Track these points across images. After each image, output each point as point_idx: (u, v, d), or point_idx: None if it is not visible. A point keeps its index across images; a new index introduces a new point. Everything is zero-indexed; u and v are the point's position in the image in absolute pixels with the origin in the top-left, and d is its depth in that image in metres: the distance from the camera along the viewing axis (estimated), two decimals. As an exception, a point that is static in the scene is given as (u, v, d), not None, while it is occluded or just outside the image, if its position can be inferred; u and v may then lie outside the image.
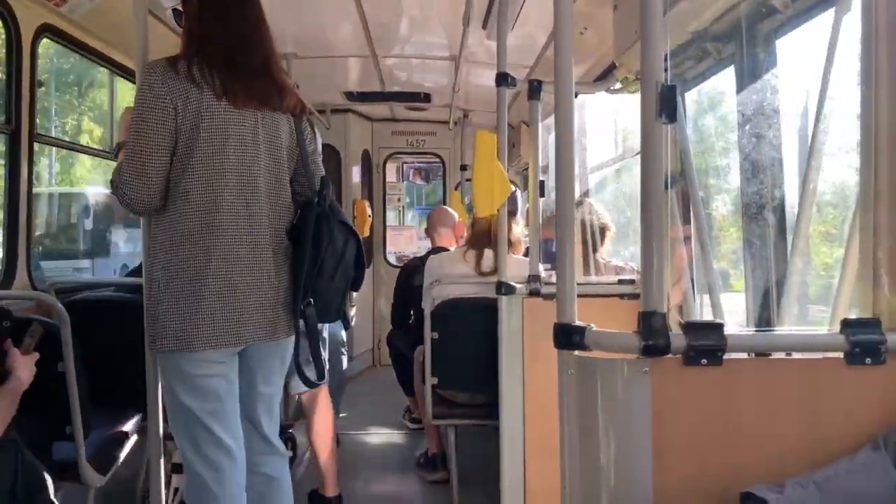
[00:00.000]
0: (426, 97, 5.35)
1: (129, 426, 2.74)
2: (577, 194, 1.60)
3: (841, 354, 1.26)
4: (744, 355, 1.32)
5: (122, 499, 3.05)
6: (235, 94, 1.95)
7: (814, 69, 1.80)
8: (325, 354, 2.48)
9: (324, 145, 5.73)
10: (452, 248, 3.88)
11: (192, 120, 1.90)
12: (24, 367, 1.96)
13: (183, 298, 1.89)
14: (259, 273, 1.97)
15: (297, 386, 2.92)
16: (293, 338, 2.08)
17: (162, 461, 2.20)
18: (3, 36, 2.77)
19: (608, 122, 3.80)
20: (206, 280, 1.90)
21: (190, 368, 1.93)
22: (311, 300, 2.00)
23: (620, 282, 2.81)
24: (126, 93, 4.01)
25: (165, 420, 2.43)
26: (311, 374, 2.09)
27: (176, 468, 2.50)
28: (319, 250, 1.99)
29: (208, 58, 1.95)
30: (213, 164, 1.92)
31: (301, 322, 2.03)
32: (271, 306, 1.99)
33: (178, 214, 1.91)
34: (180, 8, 2.13)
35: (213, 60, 1.95)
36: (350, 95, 5.33)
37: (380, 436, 4.29)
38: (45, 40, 2.94)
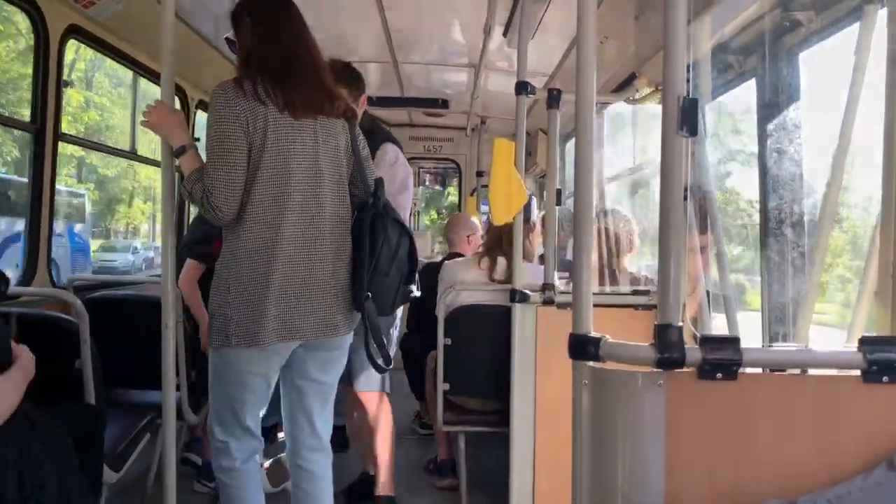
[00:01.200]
0: (444, 103, 5.36)
1: (142, 423, 2.76)
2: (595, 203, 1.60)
3: (858, 372, 1.25)
4: (759, 370, 1.31)
5: (131, 494, 3.07)
6: (295, 107, 2.08)
7: (837, 83, 1.79)
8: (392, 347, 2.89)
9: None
10: (468, 255, 3.88)
11: (261, 135, 2.04)
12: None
13: (251, 301, 2.04)
14: (319, 276, 2.11)
15: (364, 385, 2.99)
16: (351, 334, 2.26)
17: (174, 455, 2.22)
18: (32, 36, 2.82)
19: (626, 132, 3.80)
20: (272, 284, 2.04)
21: (241, 364, 2.10)
22: (369, 294, 2.16)
23: (636, 292, 2.80)
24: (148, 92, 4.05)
25: (180, 417, 2.45)
26: (379, 361, 2.32)
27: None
28: (375, 248, 2.16)
29: (268, 76, 2.08)
30: (279, 175, 2.06)
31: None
32: (329, 306, 2.13)
33: (250, 223, 2.05)
34: (233, 38, 2.26)
35: (272, 78, 2.08)
36: (369, 100, 5.35)
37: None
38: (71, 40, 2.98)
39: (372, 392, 3.01)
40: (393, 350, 2.93)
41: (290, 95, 2.07)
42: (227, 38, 2.24)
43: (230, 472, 2.20)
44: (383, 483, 3.05)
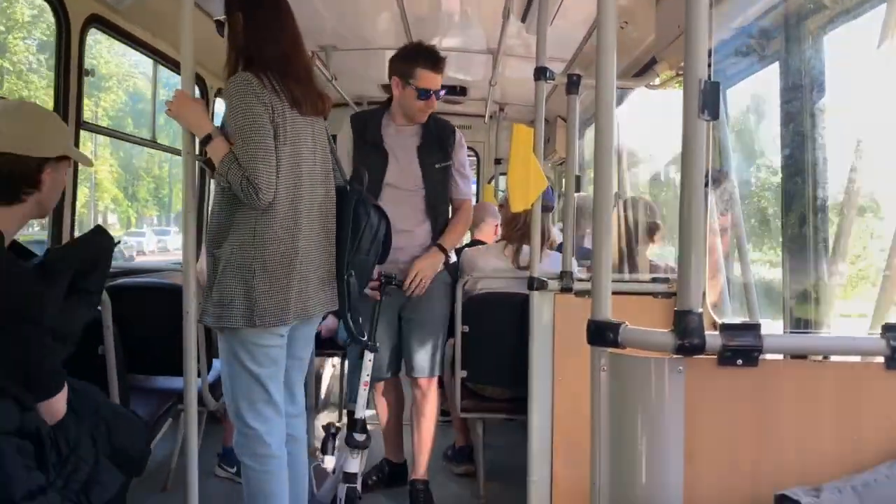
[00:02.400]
0: (462, 90, 5.34)
1: (164, 409, 2.80)
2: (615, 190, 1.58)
3: (881, 359, 1.23)
4: (780, 357, 1.30)
5: (153, 478, 3.13)
6: (300, 103, 2.20)
7: (863, 66, 1.76)
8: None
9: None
10: (490, 243, 3.87)
11: (281, 129, 2.15)
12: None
13: (279, 284, 2.17)
14: (321, 259, 2.29)
15: (418, 370, 3.05)
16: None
17: (196, 441, 2.25)
18: (54, 25, 2.85)
19: (646, 119, 3.76)
20: (294, 269, 2.19)
21: (264, 341, 2.21)
22: (352, 272, 2.38)
23: (654, 280, 2.78)
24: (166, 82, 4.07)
25: (201, 403, 2.46)
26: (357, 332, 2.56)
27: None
28: (358, 230, 2.36)
29: (274, 72, 2.16)
30: (294, 168, 2.18)
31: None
32: (328, 282, 2.33)
33: (275, 211, 2.15)
34: (222, 19, 2.25)
35: (278, 74, 2.16)
36: (387, 88, 5.35)
37: (408, 427, 4.31)
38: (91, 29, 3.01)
39: (427, 378, 3.07)
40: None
41: (295, 92, 2.18)
42: (216, 21, 2.23)
43: (265, 459, 2.23)
44: (424, 468, 3.12)
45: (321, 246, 2.28)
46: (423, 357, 3.04)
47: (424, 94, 2.88)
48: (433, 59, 2.88)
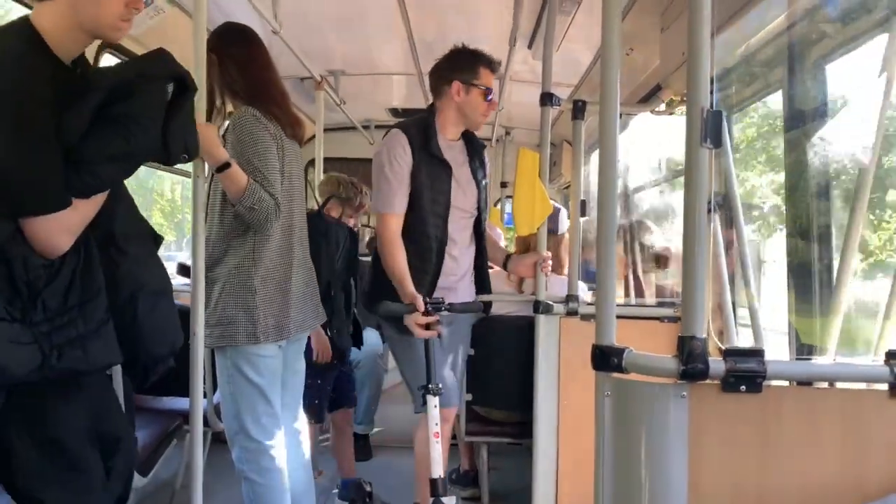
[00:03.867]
0: (469, 115, 5.38)
1: (170, 429, 2.80)
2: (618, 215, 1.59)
3: (885, 386, 1.23)
4: (784, 383, 1.30)
5: (157, 499, 3.12)
6: (294, 132, 2.38)
7: (866, 94, 1.77)
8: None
9: (366, 160, 5.81)
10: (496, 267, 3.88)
11: (281, 154, 2.30)
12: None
13: (279, 300, 2.30)
14: (308, 275, 2.45)
15: (453, 399, 2.83)
16: None
17: (201, 461, 2.24)
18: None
19: (651, 144, 3.78)
20: (289, 286, 2.32)
21: (265, 352, 2.30)
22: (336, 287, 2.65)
23: (660, 304, 2.78)
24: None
25: (206, 424, 2.46)
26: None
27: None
28: (339, 248, 2.67)
29: (274, 102, 2.32)
30: (289, 189, 2.35)
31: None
32: (314, 298, 2.48)
33: (274, 231, 2.29)
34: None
35: (276, 104, 2.32)
36: (395, 112, 5.40)
37: (413, 450, 4.29)
38: (105, 55, 3.05)
39: (454, 406, 2.93)
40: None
41: (282, 119, 2.33)
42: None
43: (270, 473, 2.28)
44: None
45: (306, 262, 2.44)
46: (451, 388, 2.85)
47: (490, 93, 2.69)
48: (490, 59, 2.73)
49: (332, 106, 4.31)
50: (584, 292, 2.92)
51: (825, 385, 1.38)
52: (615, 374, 1.26)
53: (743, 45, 2.16)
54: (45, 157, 1.42)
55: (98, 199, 1.52)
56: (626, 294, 3.50)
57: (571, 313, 2.64)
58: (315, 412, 3.15)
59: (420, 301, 2.40)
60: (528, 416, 2.72)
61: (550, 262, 2.83)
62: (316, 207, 3.16)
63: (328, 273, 2.72)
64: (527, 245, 3.21)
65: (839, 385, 1.32)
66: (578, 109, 2.79)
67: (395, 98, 5.13)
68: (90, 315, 1.49)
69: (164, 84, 1.56)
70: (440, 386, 2.39)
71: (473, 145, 2.81)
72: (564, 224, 3.47)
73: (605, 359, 1.26)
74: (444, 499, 2.31)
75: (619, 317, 1.31)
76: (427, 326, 2.41)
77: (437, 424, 2.36)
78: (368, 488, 3.22)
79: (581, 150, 2.79)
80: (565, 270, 3.41)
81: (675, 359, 1.18)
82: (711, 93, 1.22)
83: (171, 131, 1.56)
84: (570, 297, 2.66)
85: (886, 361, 1.21)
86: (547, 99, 2.70)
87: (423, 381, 2.40)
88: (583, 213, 2.83)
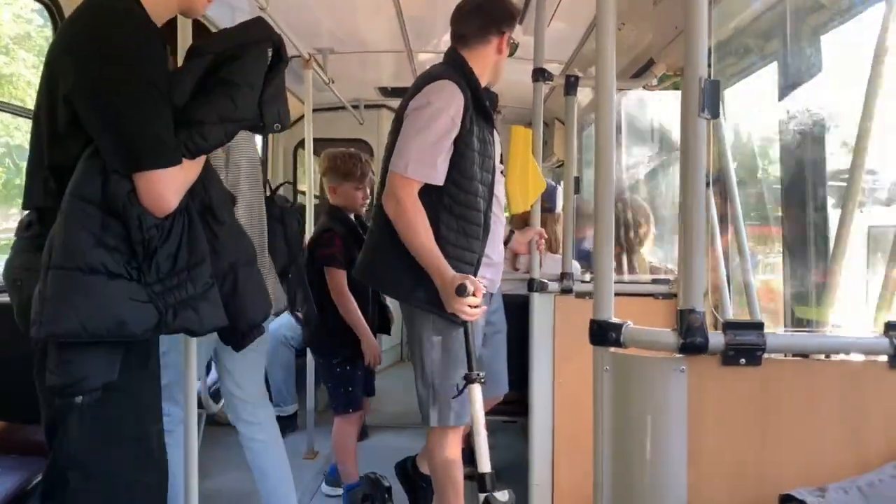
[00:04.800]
0: (460, 93, 5.34)
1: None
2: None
3: (884, 358, 1.23)
4: (782, 356, 1.30)
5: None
6: None
7: (861, 65, 1.76)
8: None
9: (356, 140, 5.77)
10: None
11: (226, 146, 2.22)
12: None
13: None
14: (268, 260, 2.35)
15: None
16: None
17: (196, 446, 2.22)
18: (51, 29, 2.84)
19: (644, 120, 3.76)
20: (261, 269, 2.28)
21: None
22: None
23: (655, 281, 2.78)
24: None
25: (200, 406, 2.44)
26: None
27: None
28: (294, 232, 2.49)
29: None
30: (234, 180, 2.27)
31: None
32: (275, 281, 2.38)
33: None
34: None
35: None
36: (384, 91, 5.35)
37: (407, 430, 4.30)
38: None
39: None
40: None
41: None
42: None
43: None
44: None
45: (264, 247, 2.34)
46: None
47: (515, 49, 2.39)
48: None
49: (321, 85, 4.26)
50: (577, 270, 2.90)
51: (823, 357, 1.38)
52: (613, 349, 1.25)
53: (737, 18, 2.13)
54: (162, 113, 1.47)
55: (199, 163, 1.57)
56: (619, 271, 3.49)
57: (566, 291, 2.63)
58: (343, 401, 3.05)
59: (469, 280, 2.08)
60: (524, 393, 2.72)
61: (544, 241, 2.82)
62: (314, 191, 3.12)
63: (284, 259, 2.50)
64: (525, 222, 3.19)
65: (837, 357, 1.31)
66: (571, 85, 2.76)
67: (385, 77, 5.08)
68: (197, 279, 1.54)
69: (266, 50, 1.59)
70: (483, 375, 2.09)
71: (492, 102, 2.43)
72: (560, 202, 3.45)
73: (604, 333, 1.26)
74: (496, 493, 2.07)
75: (614, 294, 1.30)
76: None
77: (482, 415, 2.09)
78: (387, 483, 3.14)
79: (574, 126, 2.76)
80: (561, 249, 3.40)
81: (674, 332, 1.18)
82: (709, 64, 1.20)
83: (265, 99, 1.58)
84: (565, 275, 2.65)
85: (886, 333, 1.21)
86: (539, 74, 2.67)
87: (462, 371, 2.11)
88: (576, 190, 2.81)
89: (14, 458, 2.11)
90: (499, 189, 2.35)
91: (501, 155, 2.47)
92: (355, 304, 2.96)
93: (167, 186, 1.48)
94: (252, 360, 2.44)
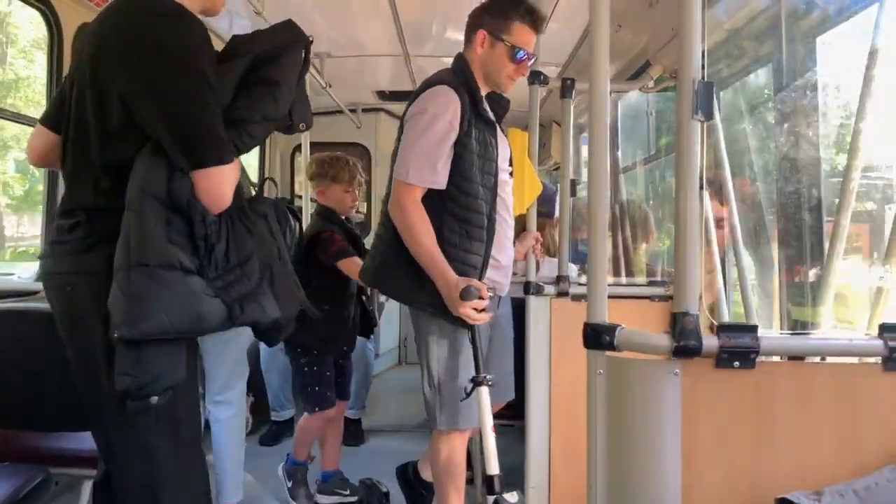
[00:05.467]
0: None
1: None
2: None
3: (878, 360, 1.23)
4: (776, 358, 1.30)
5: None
6: None
7: (855, 67, 1.76)
8: None
9: (354, 144, 5.77)
10: None
11: None
12: None
13: None
14: None
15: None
16: None
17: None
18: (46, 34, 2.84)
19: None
20: None
21: None
22: None
23: (651, 283, 2.77)
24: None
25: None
26: None
27: None
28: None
29: None
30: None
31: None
32: None
33: None
34: None
35: None
36: (381, 94, 5.35)
37: (404, 433, 4.29)
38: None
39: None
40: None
41: None
42: None
43: None
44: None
45: None
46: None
47: (519, 54, 2.28)
48: (533, 14, 2.29)
49: (318, 89, 4.26)
50: (573, 273, 2.90)
51: (818, 360, 1.37)
52: (607, 353, 1.25)
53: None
54: (218, 110, 1.49)
55: (238, 162, 1.59)
56: (616, 273, 3.49)
57: (562, 294, 2.63)
58: (312, 400, 3.03)
59: (474, 284, 2.10)
60: (520, 397, 2.71)
61: (541, 245, 2.81)
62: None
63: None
64: (522, 226, 3.19)
65: (831, 359, 1.31)
66: (567, 88, 2.76)
67: (382, 80, 5.08)
68: (251, 273, 1.57)
69: (301, 51, 1.63)
70: (490, 377, 2.13)
71: (500, 105, 2.41)
72: (559, 206, 3.45)
73: (597, 337, 1.25)
74: (506, 495, 2.08)
75: (609, 296, 1.29)
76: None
77: (490, 417, 2.13)
78: (385, 489, 3.11)
79: (570, 129, 2.77)
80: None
81: (667, 335, 1.17)
82: (703, 66, 1.20)
83: (295, 99, 1.63)
84: (561, 278, 2.65)
85: (880, 335, 1.21)
86: (535, 77, 2.67)
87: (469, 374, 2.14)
88: (573, 193, 2.81)
89: (8, 466, 2.09)
90: (506, 191, 2.34)
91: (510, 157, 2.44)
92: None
93: (227, 183, 1.51)
94: (229, 340, 2.50)
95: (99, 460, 1.79)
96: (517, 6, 2.29)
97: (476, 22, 2.33)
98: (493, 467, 2.06)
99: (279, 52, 1.60)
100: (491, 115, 2.29)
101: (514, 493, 2.07)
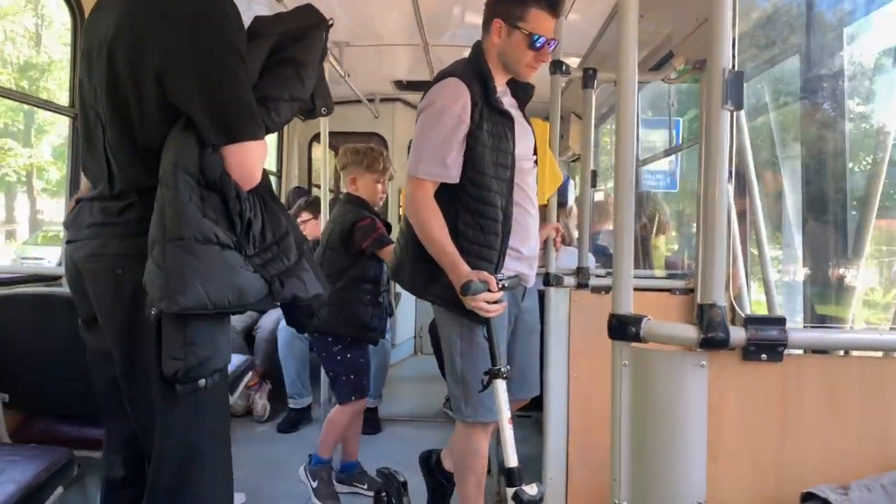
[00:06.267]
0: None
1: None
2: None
3: (907, 354, 1.21)
4: (801, 351, 1.29)
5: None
6: None
7: (884, 58, 1.73)
8: None
9: (371, 133, 5.77)
10: None
11: None
12: None
13: None
14: None
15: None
16: None
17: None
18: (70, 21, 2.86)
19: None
20: None
21: None
22: None
23: (671, 276, 2.76)
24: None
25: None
26: None
27: None
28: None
29: None
30: None
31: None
32: None
33: None
34: None
35: None
36: (399, 84, 5.34)
37: (420, 423, 4.31)
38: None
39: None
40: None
41: None
42: None
43: None
44: None
45: None
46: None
47: (537, 41, 2.20)
48: (551, 1, 2.22)
49: (336, 78, 4.26)
50: (592, 265, 2.88)
51: (843, 353, 1.36)
52: (633, 344, 1.24)
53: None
54: (249, 86, 1.49)
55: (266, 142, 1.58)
56: (635, 265, 3.47)
57: (582, 286, 2.62)
58: (345, 389, 3.01)
59: (484, 277, 2.07)
60: (538, 388, 2.71)
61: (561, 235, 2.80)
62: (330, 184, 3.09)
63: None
64: (543, 216, 3.18)
65: (858, 353, 1.30)
66: (589, 78, 2.73)
67: (400, 70, 5.07)
68: (288, 251, 1.58)
69: (322, 35, 1.65)
70: (506, 369, 2.06)
71: (524, 92, 2.35)
72: (572, 195, 3.43)
73: (623, 328, 1.25)
74: (525, 487, 2.01)
75: (635, 289, 1.29)
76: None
77: (508, 409, 2.06)
78: (402, 478, 3.12)
79: (591, 119, 2.74)
80: (574, 242, 3.39)
81: (694, 327, 1.16)
82: (733, 55, 1.18)
83: (316, 83, 1.64)
84: (581, 270, 2.63)
85: (910, 329, 1.19)
86: (557, 67, 2.64)
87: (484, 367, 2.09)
88: (593, 184, 2.79)
89: (34, 448, 2.13)
90: (527, 181, 2.31)
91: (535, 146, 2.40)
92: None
93: (258, 158, 1.51)
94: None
95: (106, 454, 1.77)
96: None
97: (491, 10, 2.27)
98: (512, 459, 2.04)
99: (302, 33, 1.60)
100: (505, 106, 2.24)
101: (534, 484, 2.04)
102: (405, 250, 2.29)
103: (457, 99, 2.13)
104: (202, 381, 1.48)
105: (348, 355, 3.00)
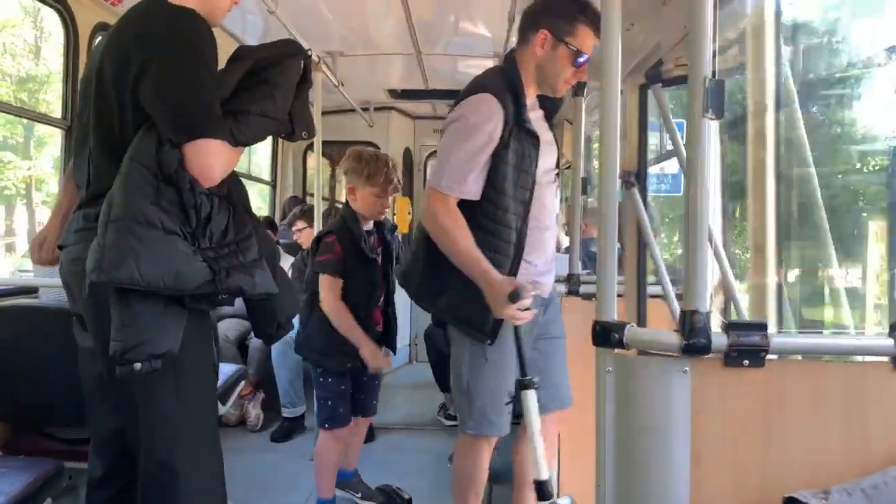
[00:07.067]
0: (469, 94, 5.34)
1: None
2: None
3: (887, 359, 1.22)
4: (785, 357, 1.29)
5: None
6: None
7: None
8: None
9: (366, 142, 5.79)
10: None
11: None
12: None
13: None
14: None
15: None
16: None
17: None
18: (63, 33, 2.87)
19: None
20: None
21: None
22: None
23: (676, 282, 2.76)
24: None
25: None
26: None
27: None
28: None
29: None
30: None
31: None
32: None
33: None
34: None
35: None
36: (393, 93, 5.36)
37: (415, 431, 4.31)
38: (100, 38, 3.03)
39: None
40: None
41: None
42: None
43: None
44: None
45: None
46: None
47: (581, 58, 2.16)
48: (597, 17, 2.10)
49: (330, 88, 4.28)
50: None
51: (826, 358, 1.37)
52: (616, 350, 1.25)
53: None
54: (214, 92, 1.59)
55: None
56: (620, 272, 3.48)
57: (572, 292, 2.63)
58: (323, 415, 2.87)
59: (520, 284, 1.98)
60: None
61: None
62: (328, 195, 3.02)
63: None
64: None
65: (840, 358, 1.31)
66: (579, 86, 2.76)
67: (394, 79, 5.09)
68: (246, 252, 1.64)
69: (300, 62, 1.75)
70: (537, 380, 1.97)
71: (553, 107, 2.33)
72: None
73: (606, 335, 1.26)
74: (558, 500, 1.95)
75: (618, 295, 1.30)
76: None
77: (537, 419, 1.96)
78: (407, 496, 3.03)
79: (582, 127, 2.77)
80: (562, 249, 3.40)
81: (676, 333, 1.17)
82: (714, 65, 1.20)
83: (296, 108, 1.74)
84: (571, 276, 2.65)
85: (890, 334, 1.21)
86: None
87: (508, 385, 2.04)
88: (584, 192, 2.81)
89: (22, 459, 2.14)
90: (546, 193, 2.26)
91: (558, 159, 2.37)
92: (347, 313, 2.75)
93: (215, 157, 1.58)
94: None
95: (89, 456, 1.80)
96: (584, 7, 2.15)
97: (536, 21, 2.19)
98: (544, 472, 1.94)
99: (279, 60, 1.72)
100: (533, 122, 2.17)
101: (567, 497, 1.98)
102: (416, 258, 2.25)
103: (490, 118, 2.07)
104: (137, 365, 1.50)
105: (329, 379, 2.83)
